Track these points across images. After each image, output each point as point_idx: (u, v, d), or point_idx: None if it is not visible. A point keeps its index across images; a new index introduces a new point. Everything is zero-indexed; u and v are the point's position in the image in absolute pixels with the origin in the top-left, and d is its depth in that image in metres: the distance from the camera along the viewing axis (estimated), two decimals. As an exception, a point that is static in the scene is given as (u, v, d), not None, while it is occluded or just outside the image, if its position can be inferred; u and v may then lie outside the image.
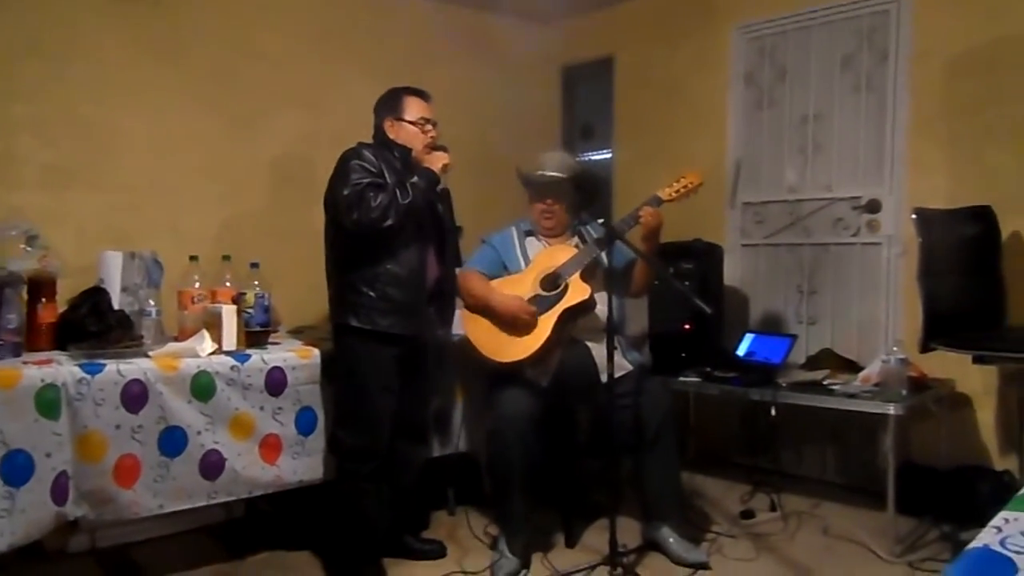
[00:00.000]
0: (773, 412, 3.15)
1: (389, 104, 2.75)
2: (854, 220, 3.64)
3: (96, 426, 2.30)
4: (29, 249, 2.54)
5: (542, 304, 2.85)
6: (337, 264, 2.70)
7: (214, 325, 2.65)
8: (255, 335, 2.79)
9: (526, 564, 2.78)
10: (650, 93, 4.38)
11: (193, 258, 2.85)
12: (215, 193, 3.49)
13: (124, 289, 2.79)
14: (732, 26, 4.02)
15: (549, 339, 2.79)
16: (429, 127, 2.73)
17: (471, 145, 3.58)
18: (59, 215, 3.00)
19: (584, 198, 3.08)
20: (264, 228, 3.55)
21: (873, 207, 3.57)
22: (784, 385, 3.21)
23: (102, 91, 3.19)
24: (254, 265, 2.89)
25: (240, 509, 3.14)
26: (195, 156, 3.43)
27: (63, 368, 2.27)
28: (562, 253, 2.94)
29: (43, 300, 2.57)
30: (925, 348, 2.79)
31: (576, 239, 3.07)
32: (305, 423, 2.74)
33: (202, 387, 2.51)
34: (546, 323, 2.81)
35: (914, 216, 2.86)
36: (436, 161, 2.67)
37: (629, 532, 2.93)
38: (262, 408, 2.64)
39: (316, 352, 2.80)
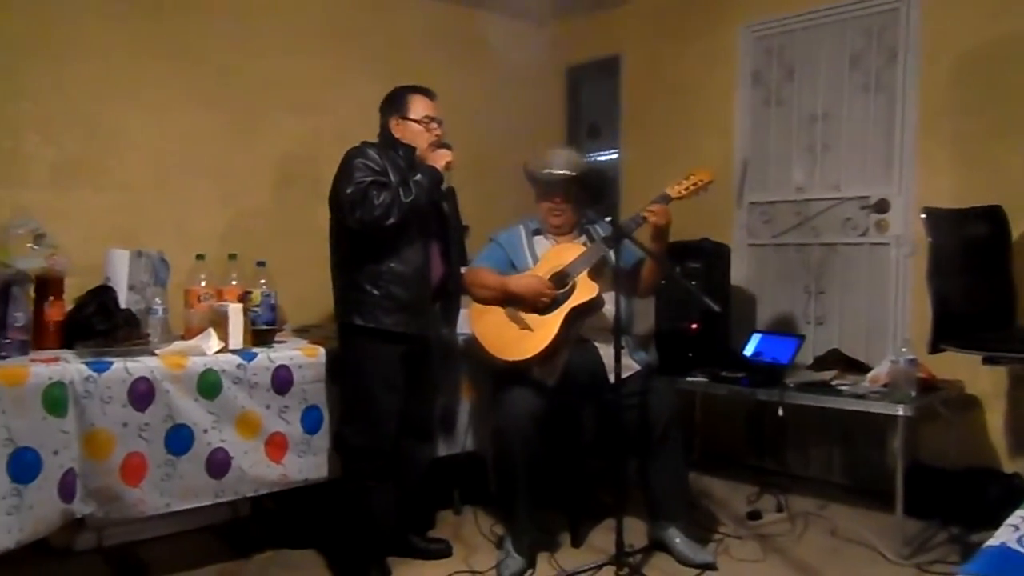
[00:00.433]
0: (780, 412, 3.14)
1: (394, 103, 2.75)
2: (862, 220, 3.62)
3: (103, 424, 2.30)
4: (36, 247, 2.54)
5: (550, 302, 2.84)
6: (342, 263, 2.70)
7: (220, 324, 2.66)
8: (261, 334, 2.79)
9: (532, 564, 2.78)
10: (657, 92, 4.37)
11: (199, 257, 2.86)
12: (221, 192, 3.50)
13: (131, 287, 2.79)
14: (739, 25, 4.01)
15: (556, 338, 2.78)
16: (434, 125, 2.73)
17: (477, 145, 3.58)
18: (66, 213, 3.00)
19: (592, 196, 3.07)
20: (270, 227, 3.56)
21: (882, 207, 3.55)
22: (792, 385, 3.19)
23: (108, 90, 3.20)
24: (260, 264, 2.89)
25: (246, 508, 3.13)
26: (201, 155, 3.44)
27: (70, 366, 2.28)
28: (570, 251, 2.93)
29: (50, 298, 2.57)
30: (934, 349, 2.77)
31: (584, 238, 3.06)
32: (311, 422, 2.74)
33: (209, 385, 2.51)
34: (553, 322, 2.80)
35: (923, 216, 2.84)
36: (439, 159, 2.67)
37: (635, 532, 2.92)
38: (268, 406, 2.64)
39: (322, 351, 2.80)
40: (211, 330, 2.64)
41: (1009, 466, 3.18)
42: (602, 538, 2.98)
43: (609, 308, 2.78)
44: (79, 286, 2.69)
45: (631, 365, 2.86)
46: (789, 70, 3.88)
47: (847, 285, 3.69)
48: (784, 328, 3.82)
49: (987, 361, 2.81)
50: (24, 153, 3.02)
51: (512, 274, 2.98)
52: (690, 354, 3.54)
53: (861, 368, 3.34)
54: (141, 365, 2.40)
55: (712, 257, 3.67)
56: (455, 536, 3.05)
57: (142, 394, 2.38)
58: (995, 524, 1.32)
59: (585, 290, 2.83)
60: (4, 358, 2.29)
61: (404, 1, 4.15)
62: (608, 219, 2.74)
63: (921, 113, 3.42)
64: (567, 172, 2.98)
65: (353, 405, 2.69)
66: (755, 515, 3.26)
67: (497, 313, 2.91)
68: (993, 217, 3.00)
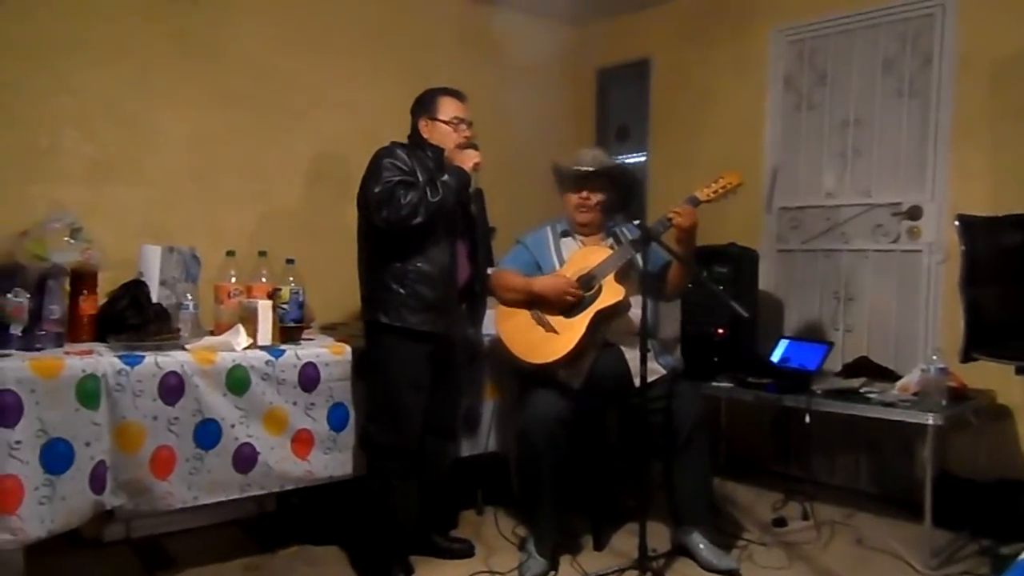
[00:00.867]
0: (807, 419, 3.11)
1: (424, 104, 2.77)
2: (894, 227, 3.58)
3: (134, 417, 2.34)
4: (72, 242, 2.59)
5: (576, 305, 2.84)
6: (369, 261, 2.71)
7: (249, 320, 2.69)
8: (289, 331, 2.82)
9: (554, 566, 2.77)
10: (686, 96, 4.35)
11: (230, 253, 2.89)
12: (252, 189, 3.53)
13: (162, 283, 2.84)
14: (771, 28, 3.98)
15: (582, 340, 2.77)
16: (463, 127, 2.74)
17: (505, 146, 3.59)
18: (101, 209, 3.05)
19: (620, 199, 3.07)
20: (300, 225, 3.59)
21: (914, 214, 3.50)
22: (819, 392, 3.16)
23: (144, 87, 3.25)
24: (290, 261, 2.92)
25: (271, 503, 3.16)
26: (233, 153, 3.48)
27: (103, 359, 2.31)
28: (597, 254, 2.93)
29: (84, 292, 2.62)
30: (966, 358, 2.72)
31: (611, 240, 3.05)
32: (337, 419, 2.76)
33: (237, 381, 2.54)
34: (579, 324, 2.80)
35: (957, 223, 2.80)
36: (467, 160, 2.68)
37: (659, 537, 2.90)
38: (295, 403, 2.67)
39: (348, 349, 2.82)
40: (240, 326, 2.67)
41: (1041, 479, 3.12)
42: (625, 542, 2.97)
43: (635, 311, 2.77)
44: (112, 280, 2.74)
45: (657, 369, 2.85)
46: (821, 75, 3.84)
47: (877, 292, 3.65)
48: (812, 334, 3.78)
49: (1020, 371, 2.75)
50: (62, 149, 3.07)
51: (538, 276, 2.98)
52: (716, 359, 3.53)
53: (890, 376, 3.30)
54: (172, 359, 2.43)
55: (740, 262, 3.65)
56: (477, 536, 3.06)
57: (172, 388, 2.41)
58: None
59: (611, 293, 2.82)
60: (39, 350, 2.33)
61: (435, 2, 4.17)
62: (636, 222, 2.73)
63: (955, 119, 3.37)
64: (595, 167, 2.98)
65: (378, 403, 2.71)
66: (780, 522, 3.23)
67: (523, 316, 2.91)
68: (1029, 225, 2.95)
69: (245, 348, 2.61)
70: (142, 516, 2.79)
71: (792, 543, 3.06)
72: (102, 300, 2.68)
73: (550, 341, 2.81)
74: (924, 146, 3.48)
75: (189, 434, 2.45)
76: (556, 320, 2.85)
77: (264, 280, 2.86)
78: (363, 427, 2.76)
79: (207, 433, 2.48)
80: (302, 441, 2.69)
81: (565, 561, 2.83)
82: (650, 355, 2.67)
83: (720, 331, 3.53)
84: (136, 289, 2.70)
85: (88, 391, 2.24)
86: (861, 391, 3.16)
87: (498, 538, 3.03)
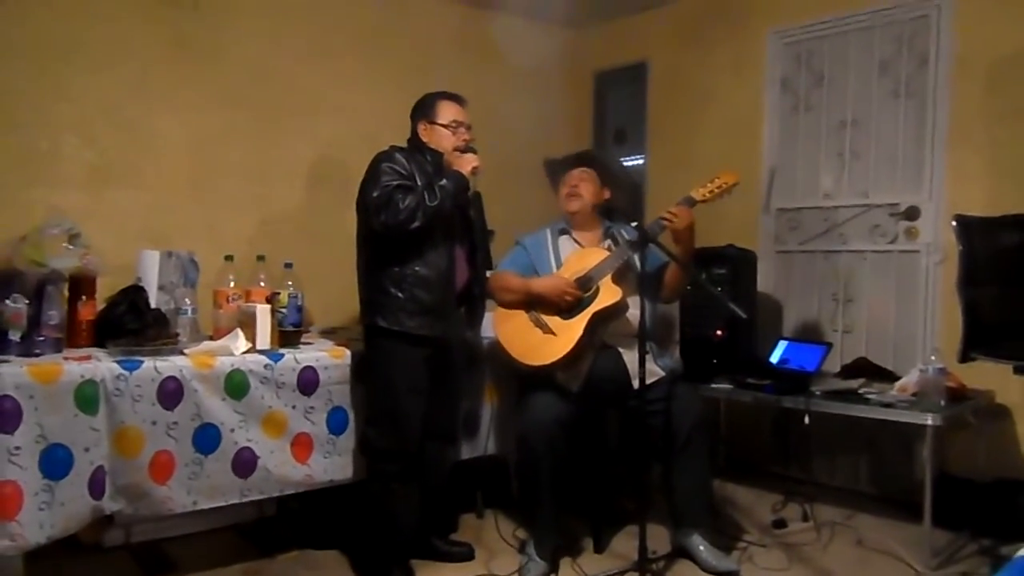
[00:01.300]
0: (807, 420, 3.11)
1: (423, 108, 2.78)
2: (891, 227, 3.58)
3: (133, 422, 2.34)
4: (71, 247, 2.58)
5: (574, 306, 2.84)
6: (367, 265, 2.72)
7: (248, 324, 2.69)
8: (288, 335, 2.82)
9: (554, 568, 2.77)
10: (684, 98, 4.36)
11: (228, 258, 2.89)
12: (251, 194, 3.54)
13: (161, 288, 2.84)
14: (768, 31, 3.99)
15: (580, 342, 2.77)
16: (461, 130, 2.75)
17: (504, 149, 3.59)
18: (99, 214, 3.06)
19: (617, 199, 3.08)
20: (298, 229, 3.60)
21: (911, 214, 3.51)
22: (818, 393, 3.16)
23: (143, 92, 3.25)
24: (288, 265, 2.92)
25: (271, 508, 3.16)
26: (232, 157, 3.49)
27: (102, 364, 2.31)
28: (594, 256, 2.93)
29: (83, 297, 2.62)
30: (965, 358, 2.72)
31: (608, 242, 3.05)
32: (336, 423, 2.77)
33: (236, 385, 2.54)
34: (577, 326, 2.80)
35: (954, 223, 2.80)
36: (465, 164, 2.68)
37: (658, 539, 2.90)
38: (294, 407, 2.67)
39: (348, 352, 2.82)
40: (239, 330, 2.67)
41: (1041, 478, 3.13)
42: (625, 544, 2.97)
43: (633, 313, 2.77)
44: (111, 286, 2.74)
45: (655, 371, 2.85)
46: (818, 76, 3.85)
47: (875, 293, 3.65)
48: (811, 336, 3.79)
49: (1018, 371, 2.75)
50: (60, 154, 3.08)
51: (535, 278, 2.99)
52: (715, 361, 3.53)
53: (889, 377, 3.30)
54: (170, 364, 2.43)
55: (738, 263, 3.65)
56: (477, 539, 3.06)
57: (171, 393, 2.41)
58: (1027, 536, 1.30)
59: (609, 294, 2.82)
60: (38, 355, 2.33)
61: (433, 5, 4.18)
62: (634, 224, 2.73)
63: (952, 120, 3.38)
64: (583, 155, 3.03)
65: (377, 407, 2.71)
66: (780, 523, 3.23)
67: (520, 318, 2.92)
68: (1026, 225, 2.95)
69: (244, 352, 2.61)
70: (142, 521, 2.80)
71: (792, 544, 3.05)
72: (101, 305, 2.68)
73: (548, 343, 2.81)
74: (921, 147, 3.49)
75: (188, 439, 2.45)
76: (554, 322, 2.86)
77: (262, 284, 2.86)
78: (362, 431, 2.76)
79: (206, 437, 2.48)
80: (301, 445, 2.69)
81: (565, 564, 2.83)
82: (649, 357, 2.67)
83: (719, 333, 3.53)
84: (135, 294, 2.70)
85: (87, 396, 2.24)
86: (860, 392, 3.16)
87: (498, 541, 3.03)
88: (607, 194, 3.07)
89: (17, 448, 2.08)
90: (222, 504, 2.56)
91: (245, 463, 2.56)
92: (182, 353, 2.52)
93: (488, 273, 2.96)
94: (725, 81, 4.17)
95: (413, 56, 4.00)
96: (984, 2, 3.28)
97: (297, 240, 3.46)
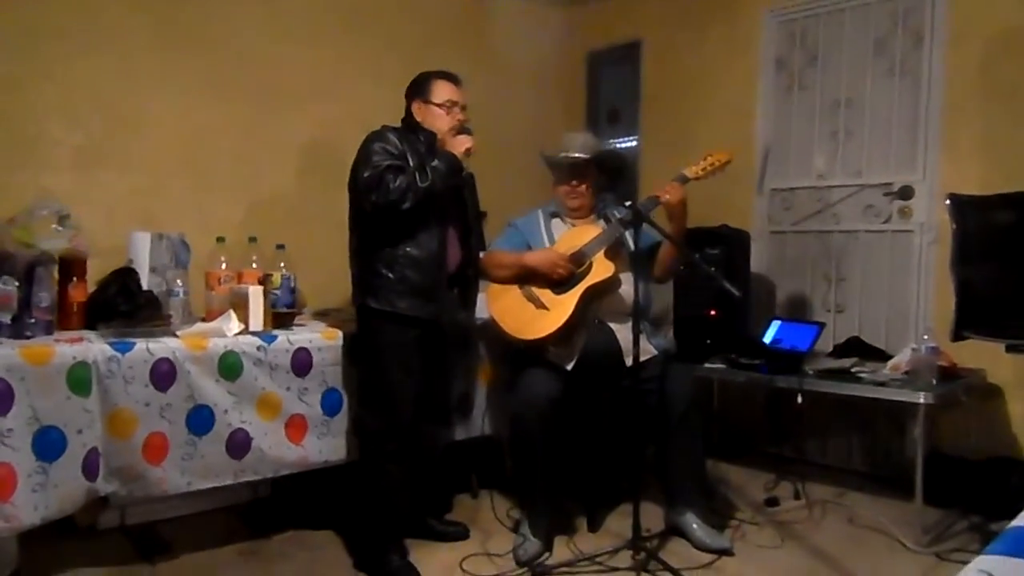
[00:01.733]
0: (799, 400, 3.12)
1: (418, 87, 2.75)
2: (885, 207, 3.58)
3: (126, 403, 2.33)
4: (60, 229, 2.57)
5: (566, 282, 2.85)
6: (359, 246, 2.71)
7: (241, 306, 2.68)
8: (281, 316, 2.81)
9: (548, 547, 2.79)
10: (678, 78, 4.34)
11: (220, 240, 2.88)
12: (242, 176, 3.51)
13: (152, 270, 2.82)
14: (763, 10, 3.97)
15: (573, 316, 2.78)
16: (456, 110, 2.72)
17: (495, 131, 3.57)
18: (89, 197, 3.03)
19: (609, 180, 3.07)
20: (290, 211, 3.57)
21: (905, 193, 3.51)
22: (811, 373, 3.17)
23: (131, 74, 3.22)
24: (280, 247, 2.91)
25: (266, 489, 3.17)
26: (222, 139, 3.46)
27: (94, 346, 2.30)
28: (587, 233, 2.93)
29: (74, 279, 2.61)
30: (957, 336, 2.73)
31: (601, 222, 3.05)
32: (330, 404, 2.76)
33: (229, 366, 2.53)
34: (570, 300, 2.81)
35: (948, 202, 2.80)
36: (459, 145, 2.66)
37: (652, 517, 2.92)
38: (288, 388, 2.67)
39: (340, 334, 2.81)
40: (231, 312, 2.66)
41: (1031, 456, 3.15)
42: (619, 523, 2.99)
43: (627, 290, 2.77)
44: (101, 268, 2.72)
45: (648, 349, 2.86)
46: (812, 55, 3.83)
47: (868, 272, 3.66)
48: (804, 315, 3.80)
49: (1010, 349, 2.76)
50: (48, 137, 3.05)
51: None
52: (709, 340, 3.53)
53: (881, 356, 3.32)
54: (163, 346, 2.42)
55: (732, 243, 3.65)
56: (472, 520, 3.07)
57: (164, 374, 2.40)
58: (1016, 513, 1.31)
59: (601, 269, 2.83)
60: (29, 338, 2.32)
61: (424, -13, 4.14)
62: (627, 203, 2.73)
63: (946, 98, 3.38)
64: (583, 155, 2.98)
65: (370, 388, 2.71)
66: (773, 502, 3.25)
67: (513, 293, 2.92)
68: (1019, 204, 2.94)
69: (237, 334, 2.60)
70: (136, 503, 2.79)
71: (784, 522, 3.08)
72: (92, 288, 2.67)
73: (542, 317, 2.82)
74: (915, 126, 3.49)
75: (182, 420, 2.44)
76: (547, 297, 2.86)
77: (255, 266, 2.85)
78: (356, 411, 2.76)
79: (200, 419, 2.47)
80: (296, 426, 2.69)
81: (560, 542, 2.84)
82: (642, 336, 2.67)
83: (712, 313, 3.54)
84: (126, 276, 2.69)
85: (79, 378, 2.23)
86: (853, 371, 3.17)
87: (493, 521, 3.04)
88: (603, 179, 3.06)
89: (10, 430, 2.07)
90: (216, 485, 2.56)
91: (239, 444, 2.55)
92: (174, 335, 2.51)
93: (481, 254, 2.95)
94: (719, 61, 4.15)
95: (406, 38, 3.96)
96: (979, -21, 3.27)
97: (289, 222, 3.44)
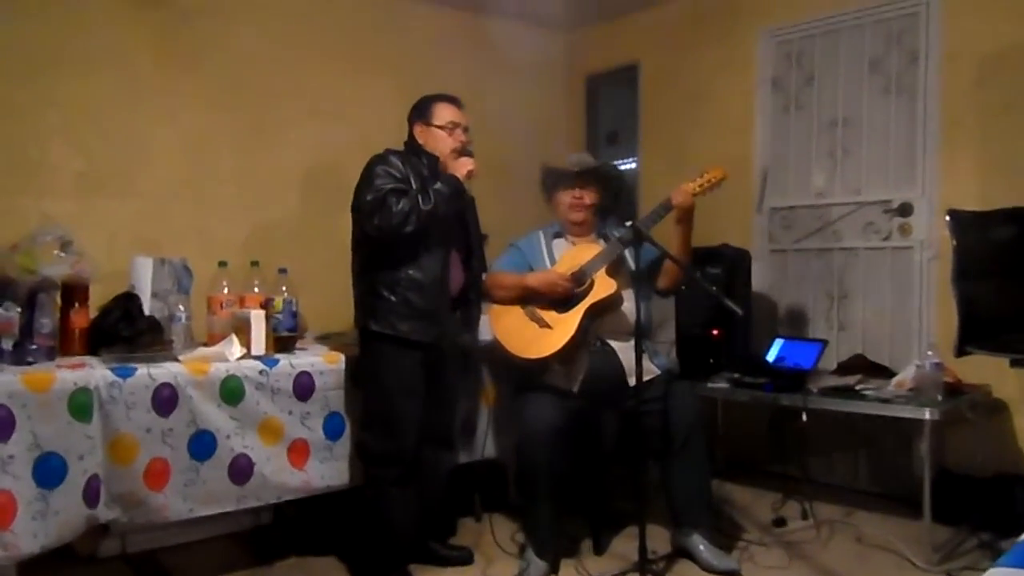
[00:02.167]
0: (804, 418, 3.10)
1: (420, 110, 2.78)
2: (885, 224, 3.59)
3: (127, 429, 2.32)
4: (62, 255, 2.57)
5: (568, 300, 2.85)
6: (361, 269, 2.71)
7: (243, 330, 2.67)
8: (283, 340, 2.81)
9: (555, 570, 2.76)
10: (676, 99, 4.37)
11: (222, 264, 2.88)
12: (244, 200, 3.53)
13: (154, 295, 2.82)
14: (759, 30, 4.00)
15: (576, 334, 2.78)
16: (458, 131, 2.74)
17: (495, 154, 3.59)
18: (91, 221, 3.04)
19: (610, 200, 3.08)
20: (292, 235, 3.59)
21: (905, 210, 3.52)
22: (815, 391, 3.16)
23: (132, 99, 3.25)
24: (282, 271, 2.91)
25: (268, 516, 3.14)
26: (224, 163, 3.48)
27: (95, 372, 2.30)
28: (588, 251, 2.94)
29: (76, 305, 2.61)
30: (960, 352, 2.72)
31: (602, 242, 3.05)
32: (333, 428, 2.75)
33: (231, 391, 2.52)
34: (573, 318, 2.81)
35: (948, 218, 2.80)
36: (461, 167, 2.67)
37: (658, 539, 2.89)
38: (290, 413, 2.65)
39: (342, 357, 2.80)
40: (233, 336, 2.65)
41: (1039, 472, 3.13)
42: (625, 545, 2.96)
43: (628, 308, 2.77)
44: (103, 294, 2.72)
45: (651, 369, 2.85)
46: (809, 75, 3.86)
47: (870, 290, 3.66)
48: (806, 333, 3.79)
49: (1014, 364, 2.75)
50: (50, 162, 3.07)
51: (530, 273, 2.99)
52: (712, 360, 3.52)
53: (886, 373, 3.30)
54: (165, 371, 2.41)
55: (733, 262, 3.65)
56: (476, 544, 3.04)
57: (166, 400, 2.39)
58: (1025, 529, 1.30)
59: (603, 287, 2.83)
60: (31, 363, 2.31)
61: (426, 10, 4.18)
62: (628, 223, 2.73)
63: (943, 115, 3.39)
64: (588, 163, 3.02)
65: (373, 411, 2.69)
66: (780, 522, 3.22)
67: (516, 313, 2.92)
68: (1019, 219, 2.95)
69: (239, 358, 2.59)
70: (137, 531, 2.77)
71: (792, 542, 3.05)
72: (93, 313, 2.66)
73: (545, 336, 2.82)
74: (913, 143, 3.50)
75: (183, 446, 2.43)
76: (550, 316, 2.86)
77: (257, 290, 2.85)
78: (359, 436, 2.75)
79: (202, 444, 2.46)
80: (298, 451, 2.67)
81: (566, 565, 2.81)
82: (644, 355, 2.66)
83: (715, 332, 3.53)
84: (128, 301, 2.68)
85: (80, 404, 2.22)
86: (857, 388, 3.15)
87: (496, 546, 3.01)
88: (604, 199, 3.07)
89: (11, 457, 2.06)
90: (218, 511, 2.54)
91: (241, 470, 2.53)
92: (176, 360, 2.50)
93: (483, 276, 2.95)
94: (717, 81, 4.18)
95: (406, 60, 4.00)
96: (972, -2, 3.30)
97: (291, 245, 3.45)
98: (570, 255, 2.98)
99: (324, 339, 3.21)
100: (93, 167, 3.15)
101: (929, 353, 2.94)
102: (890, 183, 3.58)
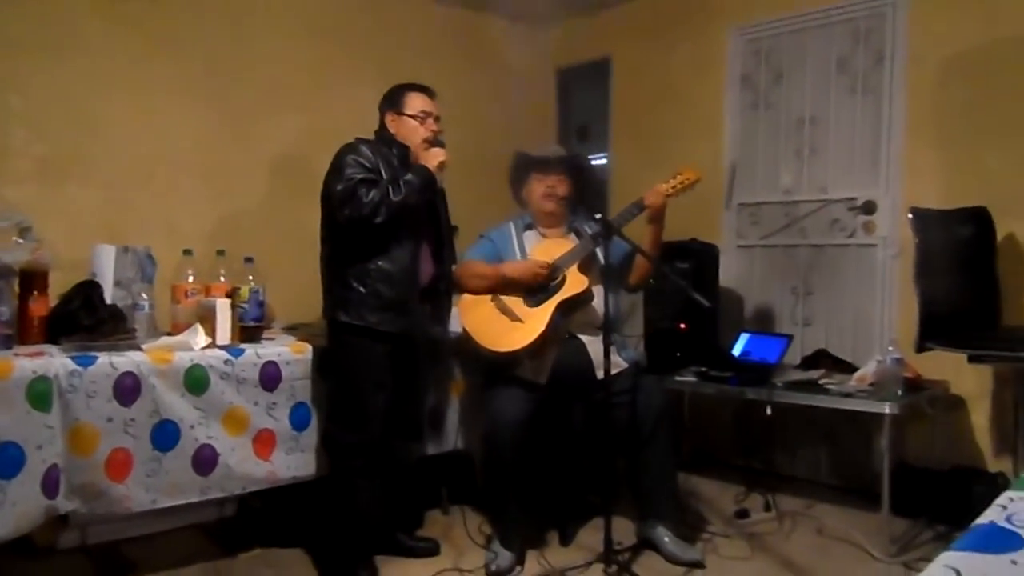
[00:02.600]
0: (769, 411, 3.15)
1: (391, 99, 2.76)
2: (850, 221, 3.64)
3: (88, 419, 2.28)
4: (21, 241, 2.52)
5: (539, 295, 2.85)
6: (331, 259, 2.69)
7: (208, 319, 2.64)
8: (249, 330, 2.78)
9: (520, 561, 2.77)
10: (646, 95, 4.39)
11: (187, 252, 2.84)
12: (210, 189, 3.47)
13: (117, 283, 2.76)
14: (729, 28, 4.03)
15: (546, 330, 2.79)
16: (430, 121, 2.73)
17: (466, 146, 3.57)
18: (52, 208, 2.97)
19: (581, 195, 3.09)
20: (260, 224, 3.53)
21: (869, 208, 3.57)
22: (779, 385, 3.20)
23: (97, 85, 3.17)
24: (248, 260, 2.88)
25: (232, 508, 3.11)
26: (190, 151, 3.42)
27: (55, 360, 2.25)
28: (560, 246, 2.95)
29: (35, 293, 2.54)
30: (921, 348, 2.79)
31: (573, 236, 3.06)
32: (299, 418, 2.73)
33: (196, 381, 2.49)
34: (543, 314, 2.82)
35: (910, 216, 2.87)
36: (432, 158, 2.66)
37: (624, 531, 2.91)
38: (256, 403, 2.63)
39: (310, 348, 2.78)
40: (198, 325, 2.62)
41: (993, 465, 3.20)
42: (590, 537, 2.98)
43: (598, 303, 2.79)
44: (63, 282, 2.66)
45: (619, 362, 2.87)
46: (777, 73, 3.90)
47: (834, 286, 3.71)
48: (772, 328, 3.84)
49: (973, 359, 2.83)
50: (10, 147, 2.99)
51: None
52: (679, 353, 3.55)
53: (848, 368, 3.36)
54: (127, 360, 2.37)
55: (701, 257, 3.69)
56: (443, 535, 3.04)
57: (128, 389, 2.35)
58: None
59: (575, 283, 2.84)
60: (-12, 352, 2.26)
61: (396, 2, 4.14)
62: (598, 216, 2.74)
63: (908, 115, 3.45)
64: (562, 153, 3.04)
65: (341, 402, 2.68)
66: (743, 514, 3.27)
67: (487, 306, 2.92)
68: (979, 218, 3.03)
69: (203, 348, 2.56)
70: (98, 522, 2.74)
71: (755, 534, 3.09)
72: (53, 302, 2.61)
73: (516, 330, 2.82)
74: (878, 142, 3.56)
75: (146, 436, 2.39)
76: (520, 309, 2.87)
77: (222, 279, 2.82)
78: (325, 427, 2.73)
79: (165, 434, 2.43)
80: (264, 441, 2.64)
81: (531, 557, 2.82)
82: (612, 348, 2.68)
83: (682, 326, 3.56)
84: (89, 289, 2.63)
85: (39, 393, 2.17)
86: (820, 383, 3.21)
87: (464, 537, 3.01)
88: (575, 192, 3.08)
89: (-34, 446, 2.02)
90: (182, 502, 2.51)
91: (206, 460, 2.51)
92: (139, 348, 2.46)
93: (453, 267, 2.94)
94: (687, 78, 4.21)
95: (376, 51, 3.96)
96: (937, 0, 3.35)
97: (258, 235, 3.40)
98: (542, 248, 2.98)
99: (292, 330, 3.17)
100: (55, 152, 3.08)
101: (890, 349, 2.99)
102: (855, 181, 3.64)
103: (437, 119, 2.75)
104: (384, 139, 2.72)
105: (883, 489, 2.88)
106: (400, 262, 2.62)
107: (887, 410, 2.85)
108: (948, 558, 1.11)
